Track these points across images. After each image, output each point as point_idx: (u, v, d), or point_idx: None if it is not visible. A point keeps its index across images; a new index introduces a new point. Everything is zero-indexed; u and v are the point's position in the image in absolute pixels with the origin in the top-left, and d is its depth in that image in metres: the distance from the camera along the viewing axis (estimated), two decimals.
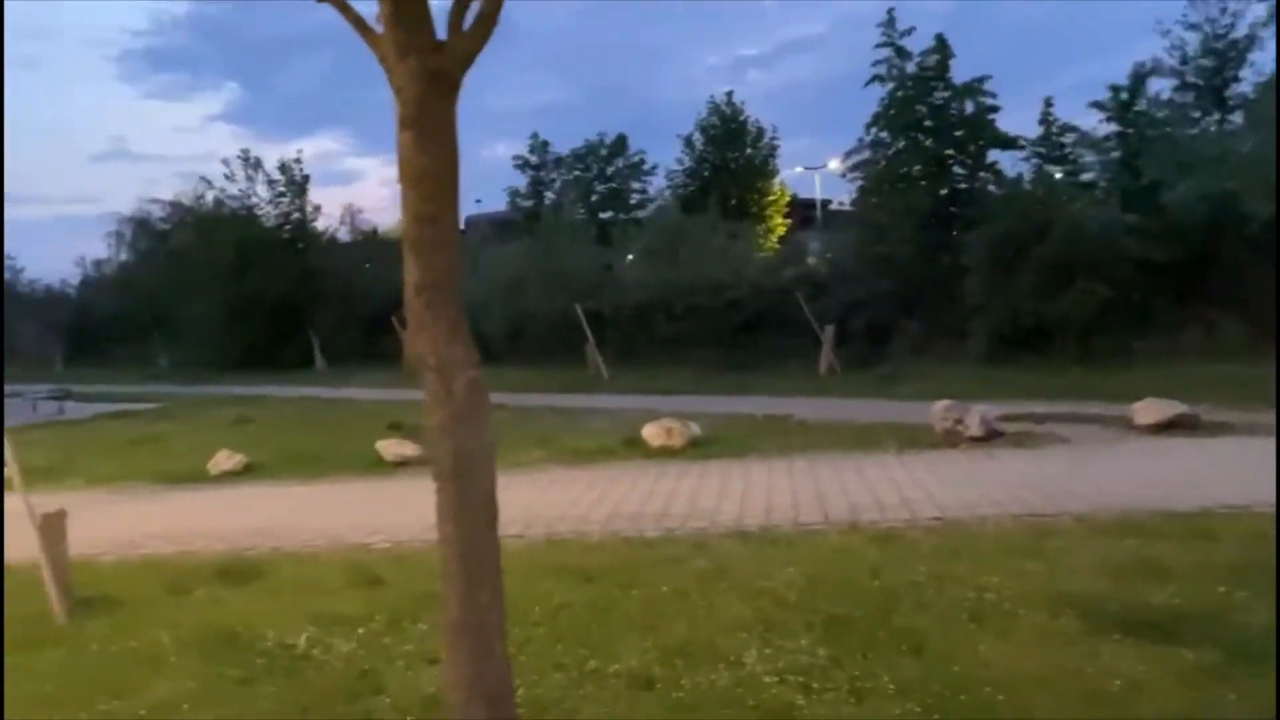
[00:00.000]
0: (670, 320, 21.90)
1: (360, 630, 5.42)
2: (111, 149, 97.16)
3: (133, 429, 17.01)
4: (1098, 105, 19.47)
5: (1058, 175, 19.43)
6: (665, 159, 49.77)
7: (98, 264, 44.98)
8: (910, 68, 21.39)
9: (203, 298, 32.08)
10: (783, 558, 6.44)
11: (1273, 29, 18.89)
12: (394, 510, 8.91)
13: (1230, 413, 11.31)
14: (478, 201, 43.04)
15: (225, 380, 27.67)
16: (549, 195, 37.07)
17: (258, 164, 34.67)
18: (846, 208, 29.98)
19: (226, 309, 31.45)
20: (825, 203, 42.87)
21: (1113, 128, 19.33)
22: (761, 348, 20.44)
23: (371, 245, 35.96)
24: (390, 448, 11.46)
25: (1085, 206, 17.34)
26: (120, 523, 9.28)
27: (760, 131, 38.38)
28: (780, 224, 37.08)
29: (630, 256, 25.83)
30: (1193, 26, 20.05)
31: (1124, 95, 19.17)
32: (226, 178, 34.46)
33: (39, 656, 5.35)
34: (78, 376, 31.64)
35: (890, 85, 21.65)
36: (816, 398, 15.61)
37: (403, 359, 24.79)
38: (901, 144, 21.19)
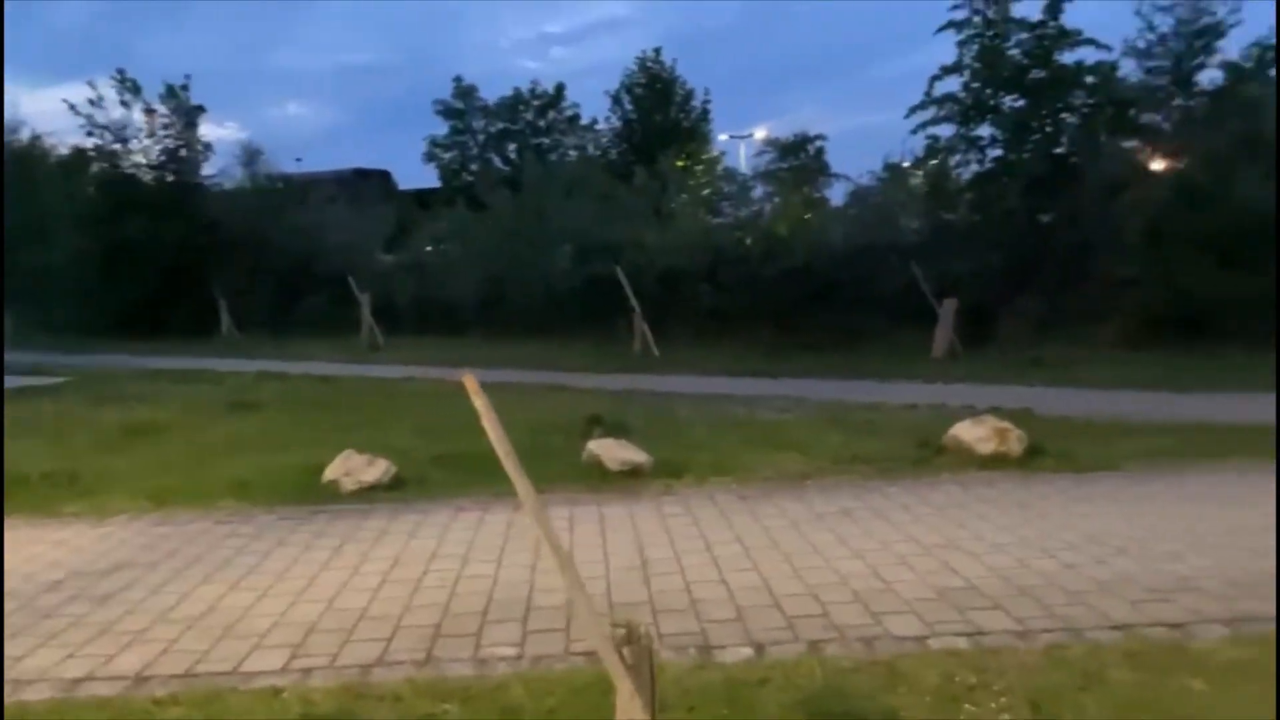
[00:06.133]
0: (717, 290, 18.09)
1: None
2: None
3: (110, 414, 11.07)
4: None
5: None
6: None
7: None
8: (996, 12, 18.40)
9: (59, 247, 25.71)
10: None
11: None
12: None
13: None
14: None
15: (99, 347, 21.35)
16: (473, 147, 33.59)
17: (135, 88, 28.30)
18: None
19: (93, 262, 25.30)
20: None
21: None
22: (831, 325, 16.93)
23: (282, 194, 30.14)
24: (610, 451, 7.26)
25: (1254, 177, 14.72)
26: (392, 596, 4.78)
27: (689, 94, 35.44)
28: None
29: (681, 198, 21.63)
30: (1165, 9, 17.97)
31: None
32: (92, 103, 27.90)
33: None
34: None
35: (971, 31, 18.63)
36: (962, 383, 12.29)
37: (363, 329, 20.19)
38: (993, 98, 18.12)
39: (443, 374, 14.60)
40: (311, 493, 7.05)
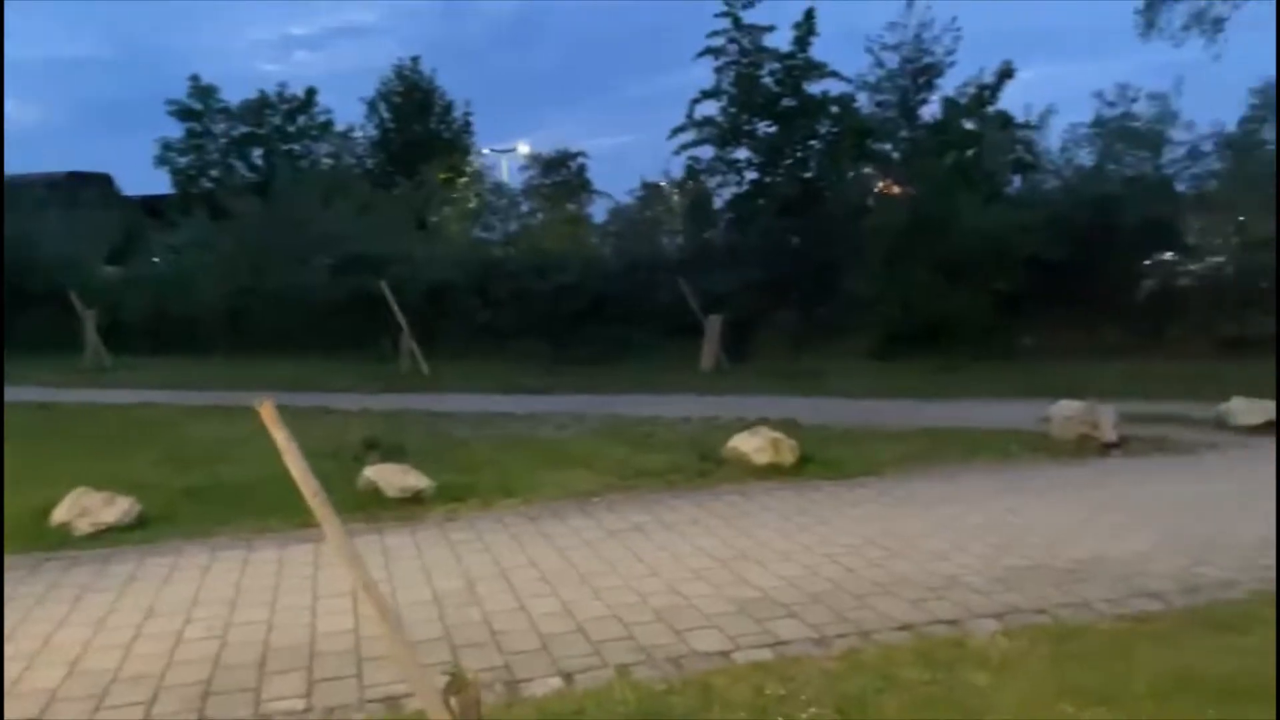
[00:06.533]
0: (488, 306, 17.78)
1: None
2: None
3: None
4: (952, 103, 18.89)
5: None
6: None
7: None
8: (750, 41, 19.46)
9: None
10: None
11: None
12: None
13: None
14: None
15: None
16: (212, 151, 31.64)
17: None
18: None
19: None
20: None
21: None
22: (603, 339, 17.11)
23: None
24: (389, 477, 6.78)
25: (976, 202, 16.42)
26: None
27: (450, 105, 34.95)
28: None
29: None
30: (892, 48, 20.14)
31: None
32: None
33: None
34: None
35: (726, 59, 19.60)
36: (730, 395, 12.75)
37: (87, 348, 18.11)
38: (748, 124, 19.12)
39: (182, 398, 13.39)
40: (38, 538, 6.13)
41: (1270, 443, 8.47)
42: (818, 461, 7.99)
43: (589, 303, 17.57)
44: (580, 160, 25.41)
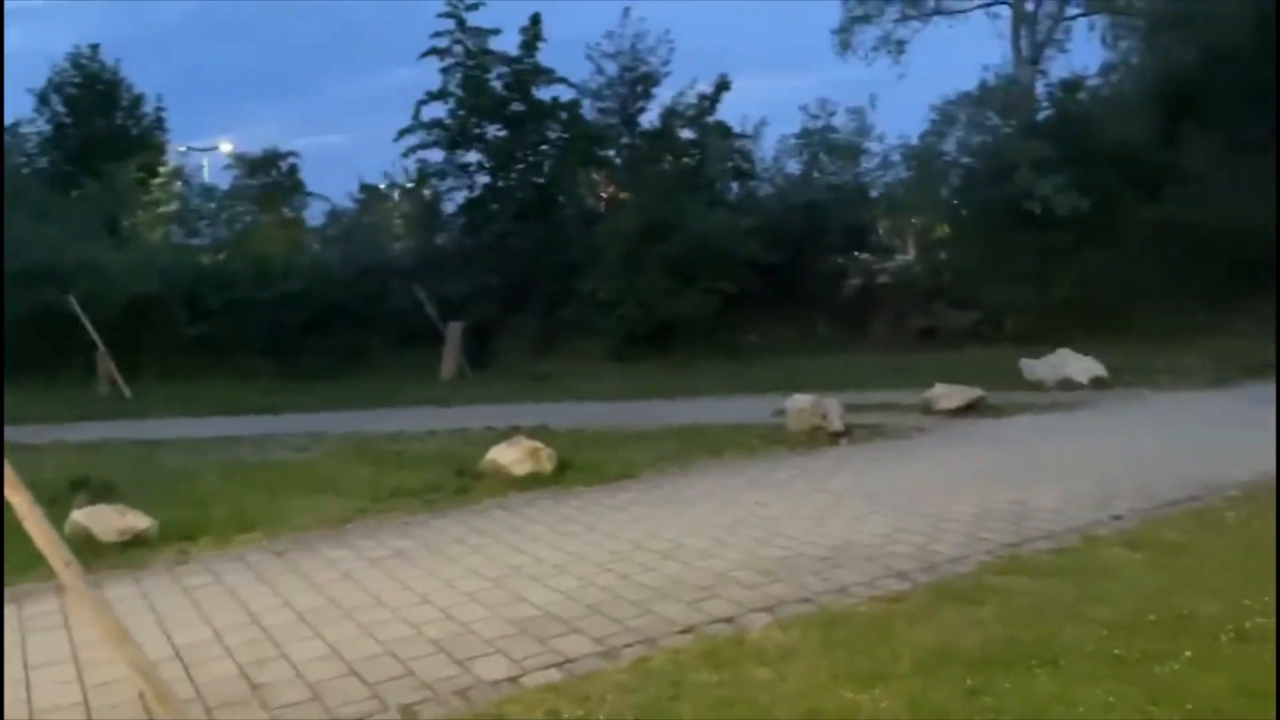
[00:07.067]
0: (198, 319, 16.28)
1: None
2: None
3: None
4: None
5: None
6: None
7: None
8: (476, 44, 19.28)
9: None
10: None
11: None
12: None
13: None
14: None
15: None
16: None
17: None
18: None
19: None
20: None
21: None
22: (335, 351, 16.27)
23: None
24: (104, 520, 5.90)
25: (700, 208, 17.25)
26: None
27: (138, 98, 31.82)
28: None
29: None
30: (611, 56, 21.07)
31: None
32: None
33: None
34: None
35: (452, 61, 19.29)
36: (477, 405, 12.62)
37: None
38: (478, 127, 18.91)
39: None
40: None
41: (969, 423, 9.54)
42: (576, 468, 7.99)
43: (317, 312, 16.61)
44: (291, 160, 23.95)
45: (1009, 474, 7.45)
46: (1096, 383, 12.46)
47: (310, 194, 23.74)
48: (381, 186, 22.72)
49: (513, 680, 4.02)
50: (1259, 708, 3.36)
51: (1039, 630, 4.17)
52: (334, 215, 22.52)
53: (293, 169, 23.90)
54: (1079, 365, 12.72)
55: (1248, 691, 3.47)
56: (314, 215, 23.53)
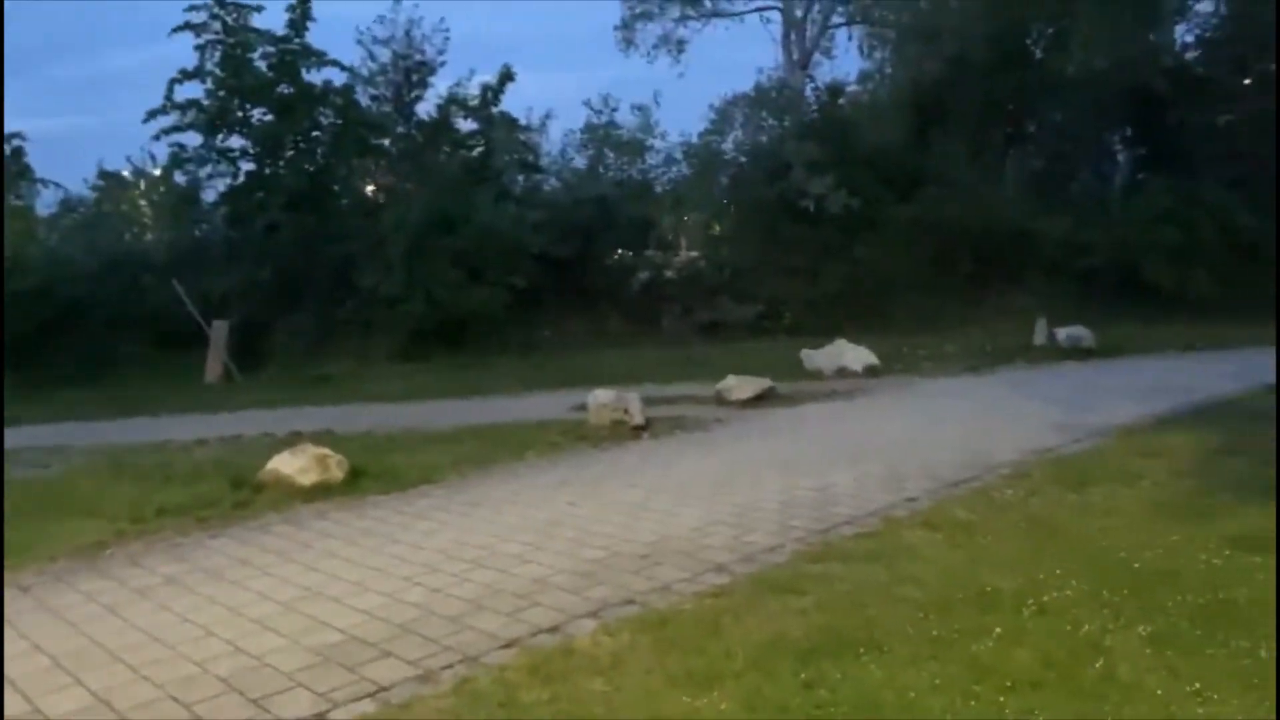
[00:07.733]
0: None
1: None
2: None
3: None
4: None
5: None
6: None
7: None
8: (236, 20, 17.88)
9: None
10: None
11: None
12: None
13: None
14: None
15: None
16: None
17: None
18: None
19: None
20: None
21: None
22: (82, 354, 14.60)
23: None
24: None
25: (487, 201, 16.85)
26: None
27: None
28: None
29: None
30: (383, 42, 20.49)
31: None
32: None
33: None
34: None
35: (209, 37, 17.82)
36: (248, 410, 11.68)
37: None
38: (241, 109, 17.54)
39: None
40: None
41: (762, 413, 9.80)
42: (370, 474, 7.48)
43: (58, 311, 14.76)
44: (16, 143, 21.25)
45: (805, 461, 7.67)
46: (870, 370, 13.25)
47: (40, 180, 21.20)
48: (125, 173, 20.74)
49: (319, 717, 3.62)
50: (1066, 680, 3.55)
51: (859, 616, 4.23)
52: (67, 204, 20.30)
53: (18, 151, 21.25)
54: (854, 355, 13.47)
55: (1055, 665, 3.65)
56: (46, 204, 21.06)
